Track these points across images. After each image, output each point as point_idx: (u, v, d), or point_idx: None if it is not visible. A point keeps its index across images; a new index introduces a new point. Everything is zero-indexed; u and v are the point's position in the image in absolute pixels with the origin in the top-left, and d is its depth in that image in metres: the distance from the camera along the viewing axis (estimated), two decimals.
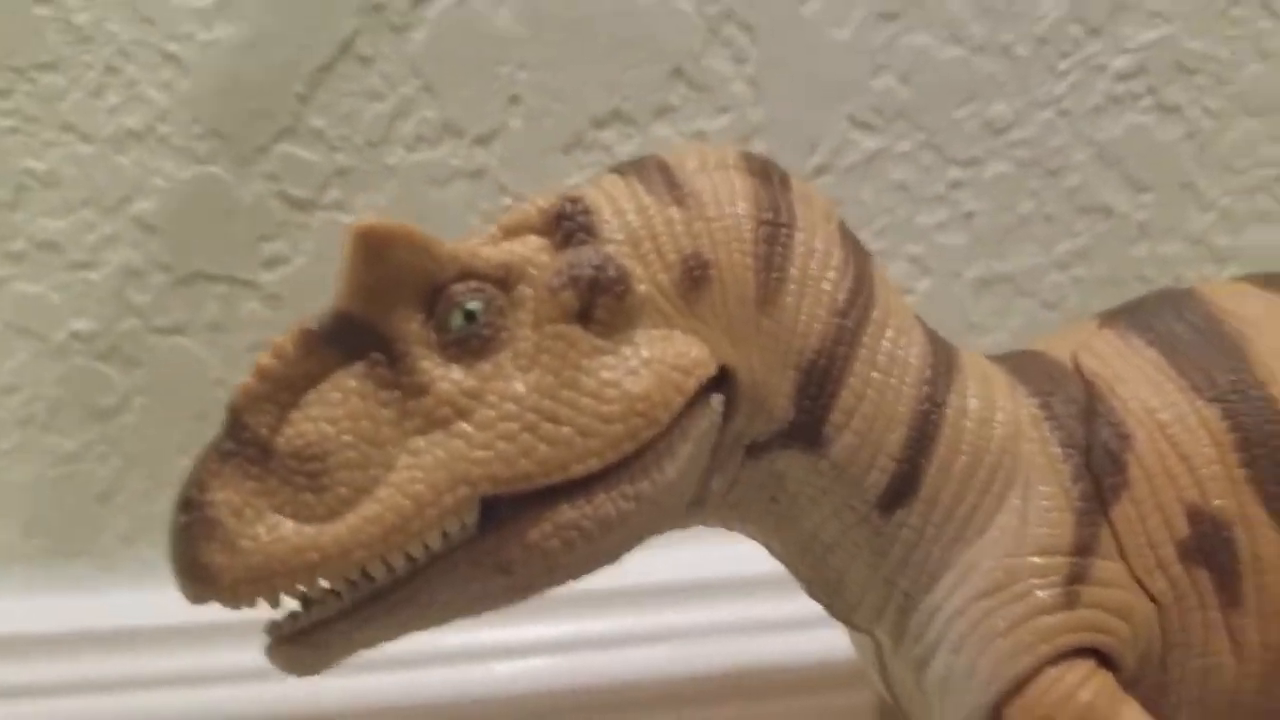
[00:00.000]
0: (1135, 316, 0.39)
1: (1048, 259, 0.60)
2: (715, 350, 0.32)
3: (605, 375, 0.31)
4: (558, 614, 0.55)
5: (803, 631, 0.54)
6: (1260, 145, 0.61)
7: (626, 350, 0.31)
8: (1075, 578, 0.34)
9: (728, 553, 0.57)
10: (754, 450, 0.34)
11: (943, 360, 0.36)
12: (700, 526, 0.36)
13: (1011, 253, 0.59)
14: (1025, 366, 0.38)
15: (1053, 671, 0.34)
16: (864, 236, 0.57)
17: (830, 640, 0.50)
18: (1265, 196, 0.62)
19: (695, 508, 0.34)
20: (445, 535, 0.31)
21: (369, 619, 0.31)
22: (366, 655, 0.33)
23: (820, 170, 0.57)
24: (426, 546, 0.30)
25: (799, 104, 0.57)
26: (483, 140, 0.55)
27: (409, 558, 0.30)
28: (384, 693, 0.53)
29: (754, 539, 0.37)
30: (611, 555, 0.33)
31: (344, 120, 0.54)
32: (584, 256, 0.32)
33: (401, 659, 0.52)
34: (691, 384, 0.31)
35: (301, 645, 0.31)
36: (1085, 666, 0.34)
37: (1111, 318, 0.39)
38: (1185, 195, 0.60)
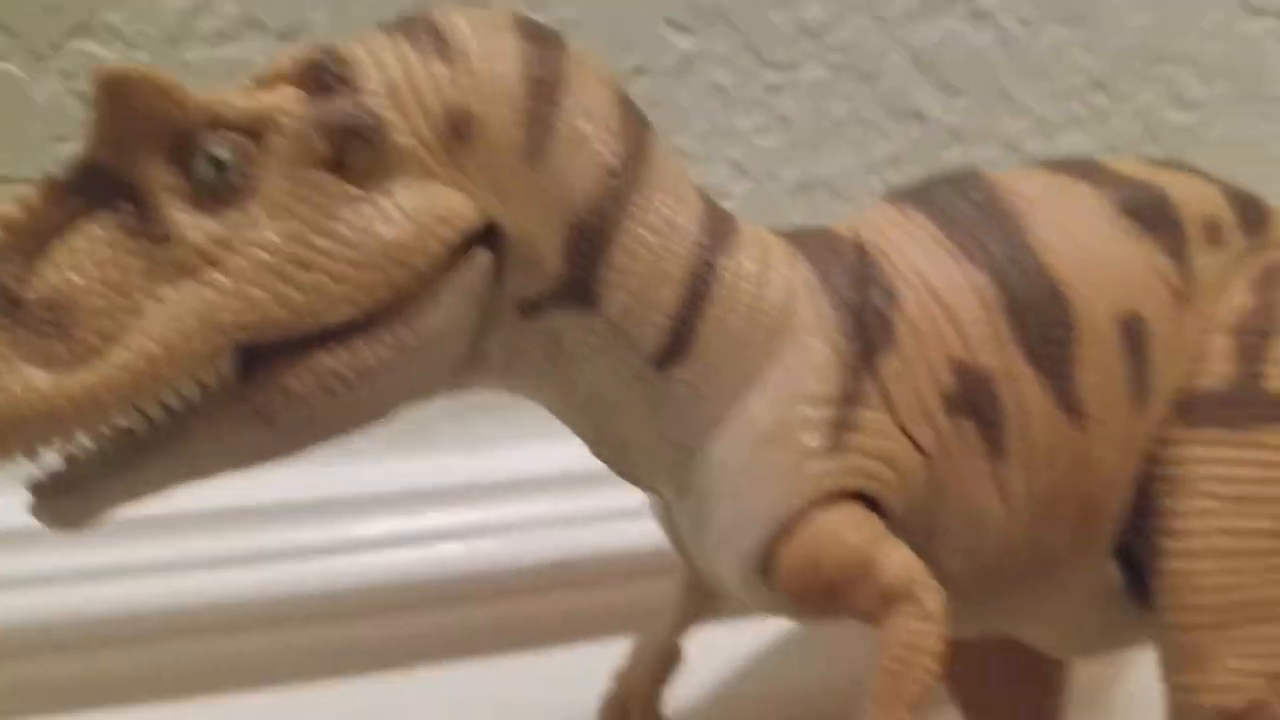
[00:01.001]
0: (917, 193, 0.40)
1: (862, 163, 0.60)
2: (480, 204, 0.32)
3: (359, 223, 0.31)
4: (379, 510, 0.54)
5: (625, 522, 0.54)
6: (1071, 52, 0.62)
7: (383, 200, 0.31)
8: (842, 426, 0.35)
9: (549, 449, 0.58)
10: (528, 310, 0.34)
11: (719, 226, 0.36)
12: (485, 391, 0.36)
13: (827, 156, 0.60)
14: (808, 240, 0.38)
15: (820, 514, 0.35)
16: (682, 140, 0.58)
17: (651, 530, 0.51)
18: (1077, 103, 0.63)
19: (470, 369, 0.34)
20: (204, 387, 0.30)
21: (129, 469, 0.31)
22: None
23: (637, 72, 0.57)
24: (185, 398, 0.30)
25: (613, 3, 0.56)
26: (286, 35, 0.54)
27: (167, 409, 0.30)
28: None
29: (534, 400, 0.37)
30: (378, 409, 0.33)
31: (141, 15, 0.52)
32: (338, 104, 0.31)
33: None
34: (450, 234, 0.31)
35: (63, 498, 0.31)
36: (853, 510, 0.35)
37: (895, 195, 0.40)
38: (999, 101, 0.62)
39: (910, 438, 0.36)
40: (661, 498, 0.38)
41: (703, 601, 0.46)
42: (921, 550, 0.36)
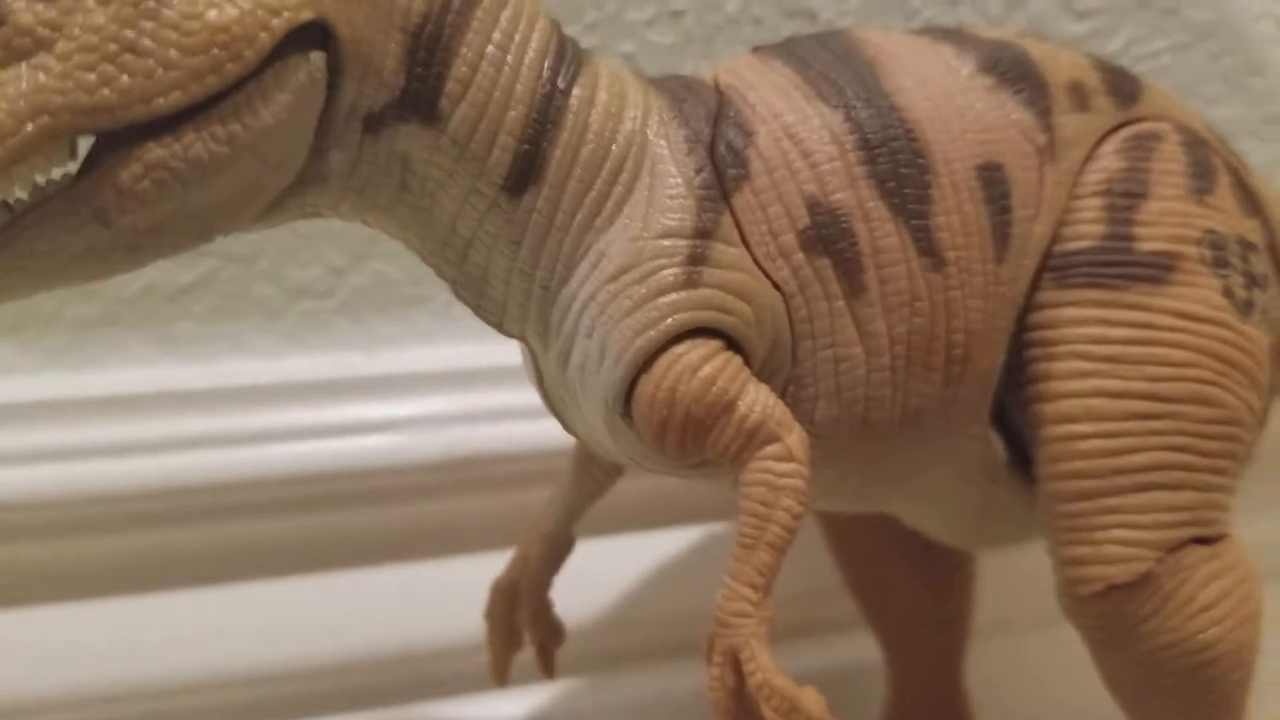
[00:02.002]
0: (780, 45, 0.41)
1: None
2: (312, 2, 0.32)
3: (186, 7, 0.31)
4: (273, 403, 0.54)
5: (524, 421, 0.54)
6: None
7: None
8: (696, 259, 0.35)
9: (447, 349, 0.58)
10: (372, 124, 0.34)
11: (570, 55, 0.36)
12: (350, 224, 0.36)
13: (721, 52, 0.60)
14: (665, 81, 0.39)
15: (677, 348, 0.35)
16: (573, 31, 0.57)
17: (549, 430, 0.51)
18: (968, 8, 0.64)
19: (317, 187, 0.34)
20: (39, 188, 0.31)
21: None
22: None
23: None
24: (21, 197, 0.31)
25: None
26: None
27: (6, 207, 0.31)
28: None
29: (394, 235, 0.37)
30: (215, 215, 0.33)
31: None
32: None
33: None
34: (280, 24, 0.31)
35: None
36: (710, 345, 0.35)
37: (759, 48, 0.41)
38: (889, 2, 0.62)
39: (766, 274, 0.36)
40: (529, 347, 0.38)
41: (593, 484, 0.46)
42: (790, 398, 0.37)
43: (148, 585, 0.53)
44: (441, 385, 0.56)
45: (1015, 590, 0.55)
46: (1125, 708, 0.42)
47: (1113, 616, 0.39)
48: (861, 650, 0.55)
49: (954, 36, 0.42)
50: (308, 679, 0.54)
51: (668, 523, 0.57)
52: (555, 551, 0.46)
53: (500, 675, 0.46)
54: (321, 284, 0.57)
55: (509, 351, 0.41)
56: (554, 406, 0.39)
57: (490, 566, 0.48)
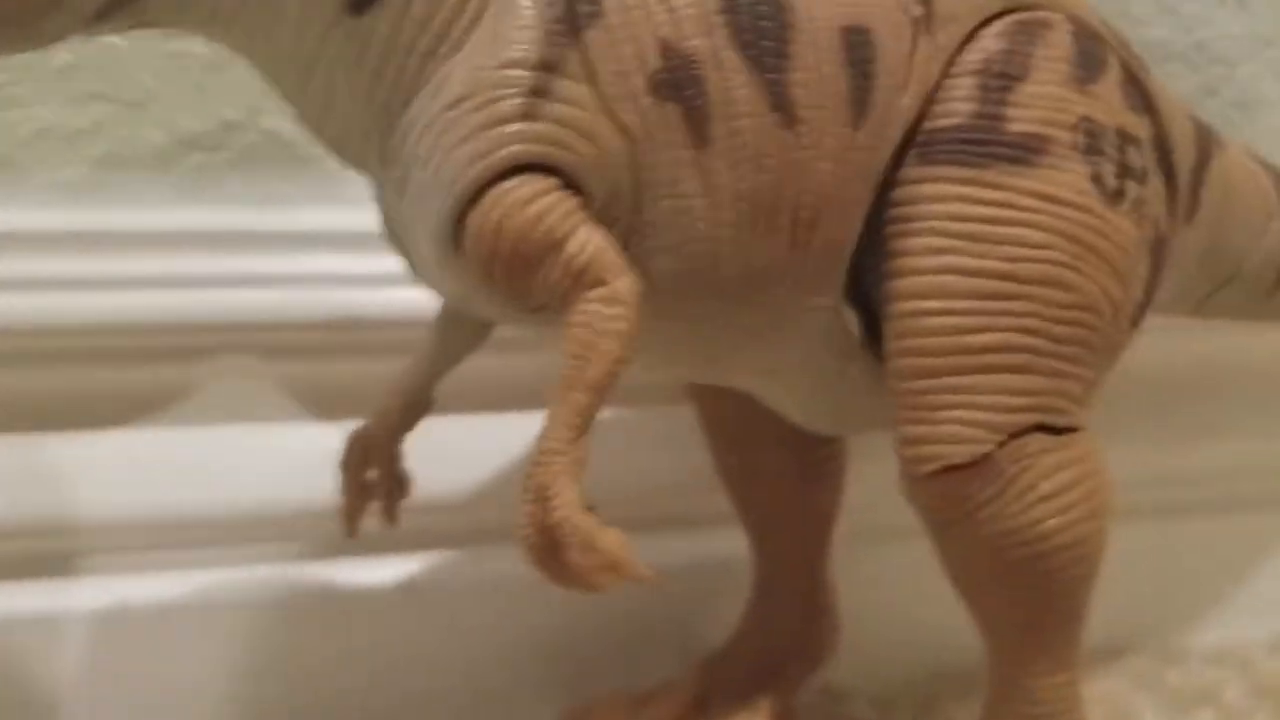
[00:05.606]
0: None
1: None
2: None
3: None
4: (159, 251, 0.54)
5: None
6: None
7: None
8: (538, 92, 0.34)
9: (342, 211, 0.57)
10: None
11: None
12: None
13: None
14: None
15: (509, 182, 0.34)
16: None
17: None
18: None
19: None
20: None
21: None
22: None
23: None
24: None
25: None
26: None
27: None
28: None
29: (244, 53, 0.36)
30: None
31: None
32: None
33: None
34: None
35: None
36: (544, 182, 0.34)
37: None
38: None
39: (613, 116, 0.35)
40: (375, 179, 0.37)
41: (455, 344, 0.45)
42: (627, 248, 0.36)
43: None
44: (329, 245, 0.55)
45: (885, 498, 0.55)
46: (965, 598, 0.42)
47: (950, 498, 0.39)
48: (732, 544, 0.55)
49: None
50: (165, 529, 0.53)
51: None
52: (410, 407, 0.45)
53: (351, 525, 0.46)
54: (213, 138, 0.56)
55: None
56: (395, 241, 0.39)
57: None
